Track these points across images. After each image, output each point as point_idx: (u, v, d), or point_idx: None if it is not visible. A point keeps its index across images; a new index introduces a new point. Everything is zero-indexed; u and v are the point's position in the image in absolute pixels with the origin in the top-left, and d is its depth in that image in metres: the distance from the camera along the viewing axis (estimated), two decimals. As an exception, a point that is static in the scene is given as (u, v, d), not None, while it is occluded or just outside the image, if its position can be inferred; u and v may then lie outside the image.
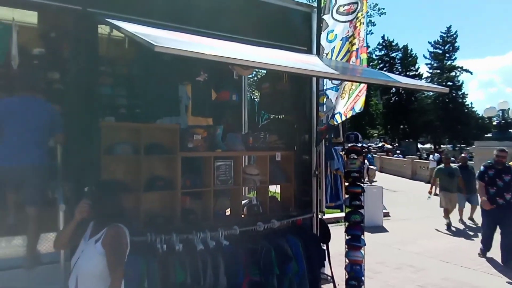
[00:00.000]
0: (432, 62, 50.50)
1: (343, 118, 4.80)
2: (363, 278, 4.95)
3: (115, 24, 3.01)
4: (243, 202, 4.93)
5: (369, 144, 35.11)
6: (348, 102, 4.74)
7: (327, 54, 4.80)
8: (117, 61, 6.46)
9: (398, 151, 34.49)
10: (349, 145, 5.16)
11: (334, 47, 4.84)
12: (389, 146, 38.76)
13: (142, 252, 3.42)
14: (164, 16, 3.81)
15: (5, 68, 3.81)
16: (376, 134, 50.77)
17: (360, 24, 4.77)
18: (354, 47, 4.74)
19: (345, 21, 4.82)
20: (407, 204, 13.26)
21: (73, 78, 3.72)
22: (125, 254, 2.47)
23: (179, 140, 4.20)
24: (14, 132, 3.48)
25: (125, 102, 6.55)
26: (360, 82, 4.51)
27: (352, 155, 5.10)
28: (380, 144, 41.13)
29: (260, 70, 9.60)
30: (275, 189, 5.42)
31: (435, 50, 50.11)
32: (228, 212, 4.83)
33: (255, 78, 16.08)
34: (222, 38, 3.84)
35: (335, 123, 4.88)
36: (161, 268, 3.40)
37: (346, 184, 5.25)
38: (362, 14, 4.77)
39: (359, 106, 4.69)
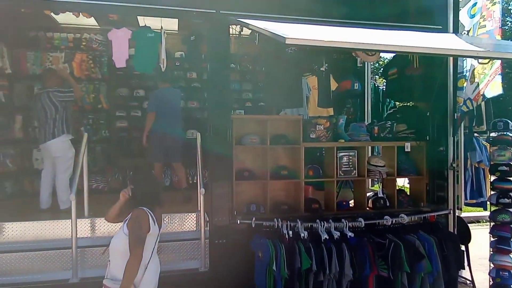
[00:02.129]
0: None
1: (475, 105, 4.25)
2: (512, 286, 4.26)
3: (246, 22, 3.22)
4: (368, 194, 4.75)
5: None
6: (479, 87, 4.16)
7: (468, 31, 4.23)
8: (244, 58, 6.95)
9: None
10: (497, 134, 4.46)
11: (476, 23, 4.24)
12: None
13: (270, 236, 3.63)
14: (289, 9, 3.91)
15: (155, 70, 4.47)
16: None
17: (493, 4, 4.10)
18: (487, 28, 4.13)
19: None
20: None
21: (209, 76, 4.13)
22: (144, 236, 2.51)
23: (302, 131, 4.28)
24: (167, 111, 5.07)
25: (251, 96, 7.02)
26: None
27: (500, 145, 4.40)
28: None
29: (386, 56, 9.04)
30: (403, 182, 5.06)
31: None
32: (352, 203, 4.72)
33: (379, 64, 15.21)
34: (347, 25, 3.75)
35: (467, 109, 4.35)
36: (288, 254, 3.53)
37: (492, 178, 4.57)
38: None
39: (493, 90, 4.06)
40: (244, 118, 4.82)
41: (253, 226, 3.77)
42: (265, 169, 4.27)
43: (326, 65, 5.32)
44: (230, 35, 4.13)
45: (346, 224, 3.80)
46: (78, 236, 3.65)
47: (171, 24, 5.85)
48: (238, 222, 3.82)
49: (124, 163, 6.29)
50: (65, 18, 5.84)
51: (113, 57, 4.02)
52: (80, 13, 4.35)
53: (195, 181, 6.32)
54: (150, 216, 2.57)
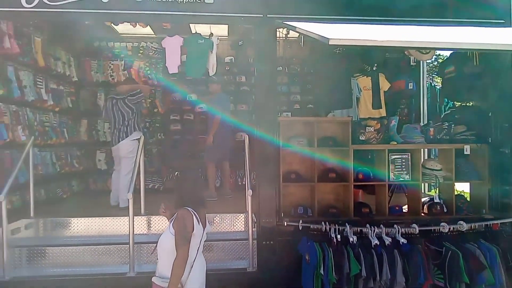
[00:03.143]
0: None
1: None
2: None
3: (292, 25, 3.24)
4: (423, 199, 4.52)
5: None
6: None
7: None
8: (291, 60, 6.94)
9: None
10: None
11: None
12: None
13: (317, 239, 3.59)
14: (335, 9, 3.86)
15: (204, 75, 4.64)
16: None
17: None
18: None
19: None
20: None
21: (256, 79, 4.19)
22: (189, 236, 2.55)
23: (351, 132, 4.19)
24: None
25: (299, 98, 6.99)
26: None
27: None
28: None
29: (442, 53, 8.53)
30: (462, 187, 4.75)
31: None
32: (405, 209, 4.52)
33: (436, 63, 14.35)
34: (399, 23, 3.62)
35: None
36: (336, 258, 3.48)
37: None
38: None
39: None
40: (291, 120, 4.82)
41: (300, 228, 3.76)
42: (312, 171, 4.23)
43: (376, 65, 5.16)
44: (278, 38, 4.17)
45: (399, 230, 3.65)
46: (135, 233, 3.87)
47: (221, 30, 6.02)
48: (285, 224, 3.83)
49: (177, 164, 6.58)
50: (124, 28, 6.25)
51: (167, 64, 4.24)
52: (137, 23, 4.64)
53: (243, 183, 6.43)
54: (194, 216, 2.64)
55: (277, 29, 4.07)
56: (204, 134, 6.01)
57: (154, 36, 6.57)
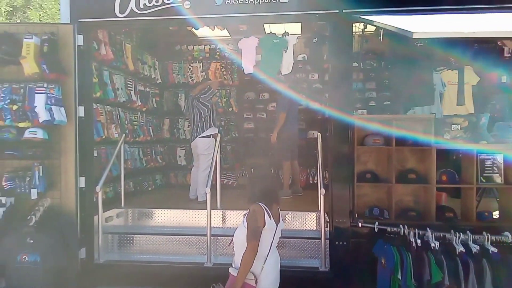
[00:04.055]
0: None
1: None
2: None
3: (370, 19, 3.13)
4: (519, 205, 4.05)
5: None
6: None
7: None
8: (368, 55, 6.68)
9: None
10: None
11: None
12: None
13: (394, 243, 3.43)
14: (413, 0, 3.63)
15: (277, 74, 4.70)
16: None
17: None
18: None
19: None
20: None
21: (330, 76, 4.12)
22: (259, 230, 2.59)
23: (434, 131, 3.91)
24: (292, 113, 5.54)
25: (375, 95, 6.72)
26: None
27: None
28: None
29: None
30: None
31: None
32: (496, 215, 4.10)
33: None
34: (488, 11, 3.28)
35: None
36: (415, 264, 3.29)
37: None
38: None
39: None
40: (367, 118, 4.65)
41: (375, 230, 3.62)
42: (390, 172, 4.05)
43: (463, 57, 4.73)
44: (353, 33, 4.05)
45: (488, 238, 3.33)
46: (212, 226, 4.08)
47: (294, 28, 6.03)
48: (360, 225, 3.72)
49: (250, 161, 6.77)
50: (202, 31, 6.58)
51: (243, 64, 4.38)
52: (215, 27, 4.88)
53: (314, 182, 6.39)
54: (266, 211, 2.69)
55: (353, 24, 3.95)
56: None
57: (230, 38, 6.82)
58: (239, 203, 4.74)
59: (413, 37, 2.00)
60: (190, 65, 7.16)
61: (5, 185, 3.82)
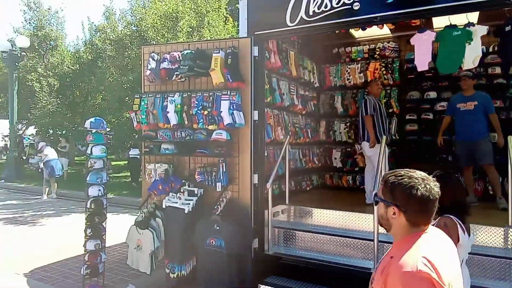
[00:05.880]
0: None
1: None
2: None
3: None
4: None
5: None
6: None
7: None
8: None
9: None
10: None
11: None
12: None
13: None
14: None
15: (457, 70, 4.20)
16: None
17: None
18: None
19: None
20: None
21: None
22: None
23: None
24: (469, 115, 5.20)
25: None
26: None
27: None
28: None
29: None
30: None
31: None
32: None
33: None
34: None
35: None
36: None
37: None
38: None
39: None
40: None
41: None
42: None
43: None
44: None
45: None
46: (379, 232, 3.93)
47: (470, 17, 5.30)
48: None
49: (415, 167, 6.27)
50: (360, 32, 6.45)
51: (415, 62, 4.07)
52: (384, 24, 4.65)
53: (491, 192, 5.48)
54: (459, 225, 2.43)
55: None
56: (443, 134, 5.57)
57: (391, 35, 6.48)
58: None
59: None
60: (347, 67, 7.10)
61: (197, 178, 4.54)
